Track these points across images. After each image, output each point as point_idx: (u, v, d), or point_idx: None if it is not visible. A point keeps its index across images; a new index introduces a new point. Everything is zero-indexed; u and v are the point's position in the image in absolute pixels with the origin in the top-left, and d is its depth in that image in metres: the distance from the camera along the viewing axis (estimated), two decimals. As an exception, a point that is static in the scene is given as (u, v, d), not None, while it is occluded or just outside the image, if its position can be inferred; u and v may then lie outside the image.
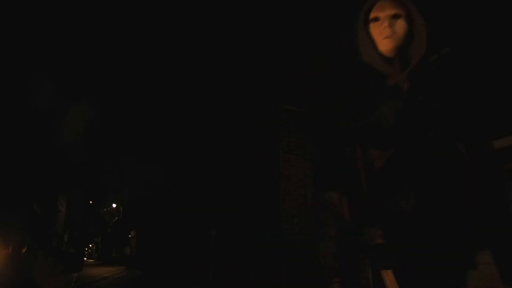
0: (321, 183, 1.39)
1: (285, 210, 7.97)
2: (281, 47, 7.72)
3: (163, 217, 22.21)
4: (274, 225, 8.06)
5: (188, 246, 15.58)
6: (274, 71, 8.62)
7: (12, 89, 12.65)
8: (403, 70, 1.32)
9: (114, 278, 16.41)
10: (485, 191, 1.17)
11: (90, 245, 72.40)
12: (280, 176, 8.19)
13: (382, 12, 1.33)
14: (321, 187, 1.38)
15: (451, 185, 1.16)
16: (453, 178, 1.17)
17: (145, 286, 12.47)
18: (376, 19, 1.35)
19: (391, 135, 1.24)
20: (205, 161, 14.77)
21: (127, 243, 32.61)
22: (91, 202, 26.41)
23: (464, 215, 1.15)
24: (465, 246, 1.18)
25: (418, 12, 1.36)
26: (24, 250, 10.32)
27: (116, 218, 42.78)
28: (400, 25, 1.32)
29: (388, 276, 1.18)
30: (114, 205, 43.76)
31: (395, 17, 1.32)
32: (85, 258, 38.56)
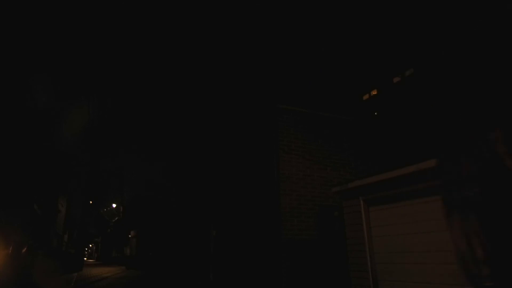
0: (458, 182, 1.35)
1: (285, 210, 7.96)
2: (281, 47, 7.72)
3: (163, 217, 22.18)
4: (274, 225, 8.05)
5: (188, 246, 15.56)
6: (274, 71, 8.62)
7: (12, 89, 12.64)
8: None
9: (114, 278, 16.40)
10: None
11: (90, 245, 72.33)
12: (280, 176, 8.18)
13: None
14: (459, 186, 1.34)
15: None
16: None
17: (145, 286, 12.46)
18: None
19: None
20: (205, 161, 14.75)
21: (127, 243, 32.59)
22: (91, 202, 26.40)
23: None
24: None
25: None
26: (24, 250, 10.31)
27: (116, 218, 42.74)
28: None
29: None
30: (114, 205, 43.75)
31: None
32: (85, 258, 38.54)
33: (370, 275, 5.18)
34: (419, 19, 7.86)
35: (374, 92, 10.23)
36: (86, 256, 60.25)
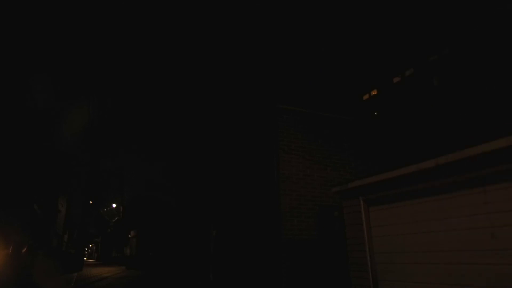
0: None
1: (285, 210, 7.96)
2: (282, 48, 7.73)
3: (163, 217, 22.18)
4: (274, 225, 8.05)
5: (188, 246, 15.56)
6: (274, 71, 8.63)
7: (12, 89, 12.64)
8: None
9: (114, 278, 16.40)
10: None
11: (90, 245, 72.33)
12: (280, 176, 8.18)
13: None
14: None
15: None
16: None
17: (145, 286, 12.46)
18: None
19: None
20: (205, 161, 14.75)
21: (127, 243, 32.60)
22: (91, 202, 26.40)
23: None
24: None
25: None
26: (24, 250, 10.31)
27: (116, 218, 42.76)
28: None
29: None
30: (114, 205, 43.79)
31: None
32: (85, 258, 38.55)
33: (370, 275, 5.18)
34: (419, 19, 7.87)
35: (374, 92, 10.23)
36: (86, 256, 60.26)
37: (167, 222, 20.79)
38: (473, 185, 3.91)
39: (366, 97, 10.43)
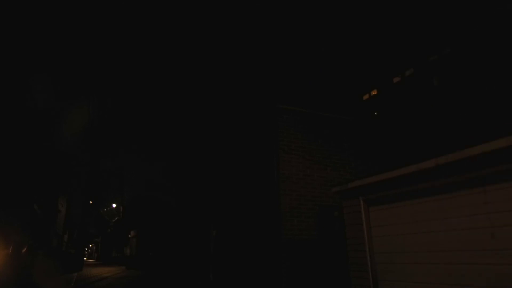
0: None
1: (285, 210, 7.96)
2: (282, 48, 7.73)
3: (163, 217, 22.19)
4: (274, 225, 8.05)
5: (188, 246, 15.56)
6: (274, 71, 8.63)
7: (12, 89, 12.65)
8: None
9: (114, 278, 16.40)
10: None
11: (90, 245, 72.33)
12: (280, 176, 8.18)
13: None
14: None
15: None
16: None
17: (145, 286, 12.46)
18: None
19: None
20: (205, 161, 14.75)
21: (127, 243, 32.60)
22: (91, 202, 26.40)
23: None
24: None
25: None
26: (24, 250, 10.31)
27: (116, 218, 42.77)
28: None
29: None
30: (114, 205, 43.80)
31: None
32: (85, 258, 38.55)
33: (370, 275, 5.18)
34: (419, 19, 7.87)
35: (374, 92, 10.23)
36: (86, 256, 60.26)
37: (167, 222, 20.79)
38: (473, 185, 3.91)
39: (366, 97, 10.43)
